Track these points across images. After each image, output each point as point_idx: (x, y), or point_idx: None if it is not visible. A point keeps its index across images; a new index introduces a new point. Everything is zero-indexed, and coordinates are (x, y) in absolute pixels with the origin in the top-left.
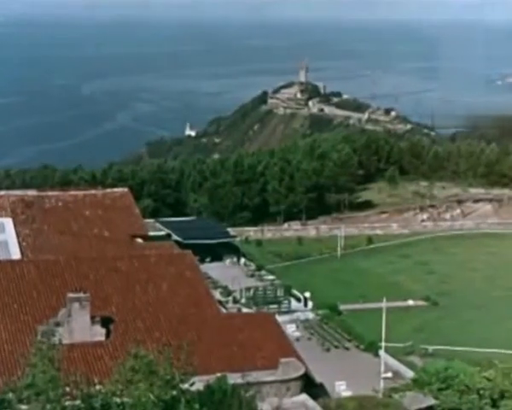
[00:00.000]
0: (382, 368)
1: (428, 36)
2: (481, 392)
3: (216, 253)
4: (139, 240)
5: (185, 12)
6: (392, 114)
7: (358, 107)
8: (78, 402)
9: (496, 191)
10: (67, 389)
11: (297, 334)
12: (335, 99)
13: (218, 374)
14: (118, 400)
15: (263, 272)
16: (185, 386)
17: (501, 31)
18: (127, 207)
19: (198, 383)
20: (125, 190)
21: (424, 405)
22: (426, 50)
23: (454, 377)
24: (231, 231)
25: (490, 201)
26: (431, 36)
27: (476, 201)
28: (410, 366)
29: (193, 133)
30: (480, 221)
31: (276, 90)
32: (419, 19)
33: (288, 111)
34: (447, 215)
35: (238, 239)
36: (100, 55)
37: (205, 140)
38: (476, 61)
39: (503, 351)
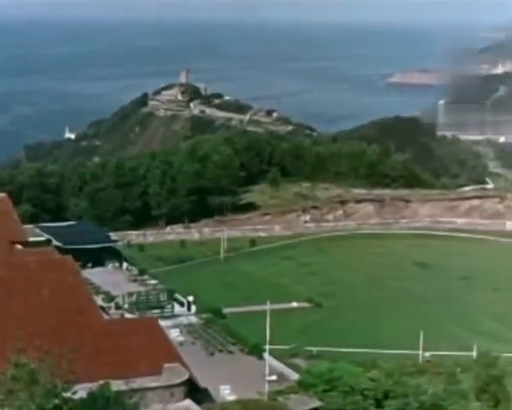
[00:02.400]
0: (267, 371)
1: (312, 37)
2: (365, 393)
3: (97, 258)
4: (18, 246)
5: (69, 12)
6: (274, 115)
7: (240, 108)
8: None
9: (378, 192)
10: None
11: (181, 339)
12: (217, 100)
13: (101, 381)
14: None
15: (145, 277)
16: (67, 394)
17: (378, 32)
18: (5, 213)
19: (81, 391)
20: (3, 195)
21: (309, 407)
22: (308, 51)
23: (338, 379)
24: (113, 235)
25: (372, 201)
26: (315, 37)
27: (358, 201)
28: (295, 368)
29: (72, 136)
30: (363, 222)
31: (157, 92)
32: (305, 20)
33: (169, 113)
34: (330, 216)
35: (120, 244)
36: None
37: (85, 143)
38: (357, 61)
39: (386, 351)
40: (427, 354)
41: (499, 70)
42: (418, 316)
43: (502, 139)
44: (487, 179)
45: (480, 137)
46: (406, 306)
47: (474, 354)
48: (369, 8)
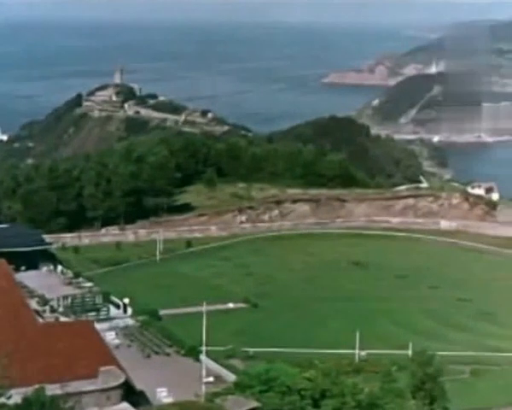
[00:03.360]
0: (204, 373)
1: (248, 37)
2: (302, 392)
3: (31, 261)
4: None
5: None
6: (209, 115)
7: (175, 109)
8: None
9: (313, 191)
10: None
11: (117, 341)
12: (151, 101)
13: (36, 386)
14: None
15: (80, 280)
16: (2, 400)
17: (314, 32)
18: None
19: (15, 396)
20: None
21: (246, 408)
22: (245, 52)
23: (275, 379)
24: (47, 237)
25: (307, 201)
26: (251, 37)
27: (294, 201)
28: (232, 369)
29: (5, 138)
30: (299, 222)
31: (91, 93)
32: (242, 20)
33: (104, 114)
34: (266, 216)
35: (54, 246)
36: None
37: (18, 145)
38: (293, 61)
39: (323, 351)
40: (364, 352)
41: (433, 70)
42: (354, 315)
43: (436, 138)
44: (421, 178)
45: (413, 137)
46: (342, 305)
47: (410, 352)
48: (307, 9)
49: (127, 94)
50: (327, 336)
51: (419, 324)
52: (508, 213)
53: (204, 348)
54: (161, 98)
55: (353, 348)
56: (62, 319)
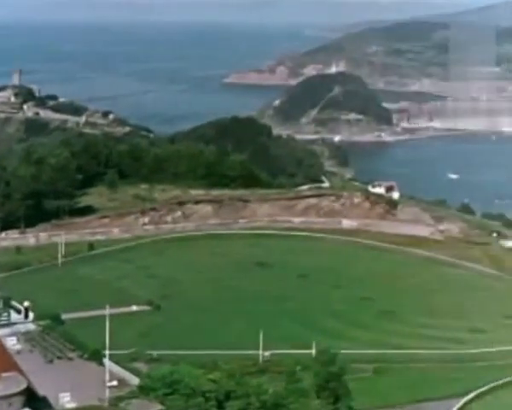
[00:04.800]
0: (107, 377)
1: (150, 38)
2: (207, 394)
3: None
4: None
5: None
6: (110, 116)
7: (76, 110)
8: None
9: (216, 192)
10: None
11: (18, 347)
12: (51, 102)
13: None
14: None
15: None
16: None
17: (215, 33)
18: None
19: None
20: None
21: None
22: (143, 52)
23: (180, 382)
24: None
25: (210, 202)
26: (153, 38)
27: (197, 202)
28: (136, 372)
29: None
30: (202, 223)
31: None
32: (145, 21)
33: (2, 115)
34: (168, 218)
35: None
36: None
37: None
38: (195, 62)
39: (227, 352)
40: (267, 353)
41: (333, 70)
42: (258, 315)
43: (337, 138)
44: (323, 178)
45: (315, 137)
46: (246, 306)
47: (314, 351)
48: (210, 10)
49: (26, 95)
50: (231, 338)
51: (322, 323)
52: (408, 211)
53: (107, 352)
54: (62, 99)
55: (257, 348)
56: None
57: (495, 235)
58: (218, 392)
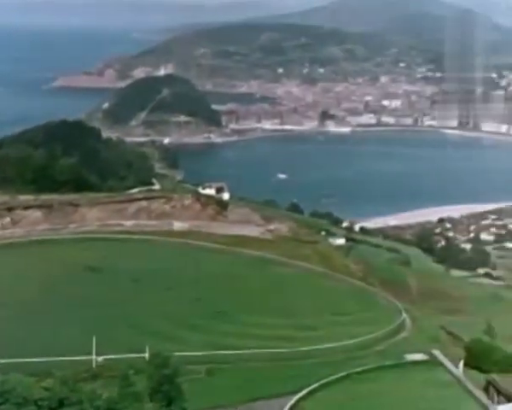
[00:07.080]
0: None
1: None
2: (40, 403)
3: None
4: None
5: None
6: None
7: None
8: None
9: (45, 197)
10: None
11: None
12: None
13: None
14: None
15: None
16: None
17: (44, 34)
18: None
19: None
20: None
21: None
22: None
23: (10, 391)
24: None
25: (40, 207)
26: None
27: (26, 208)
28: None
29: None
30: (31, 228)
31: None
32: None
33: None
34: None
35: None
36: None
37: None
38: (22, 65)
39: (61, 359)
40: (100, 358)
41: (161, 72)
42: (91, 321)
43: (166, 140)
44: (154, 181)
45: (144, 139)
46: (79, 311)
47: (147, 355)
48: (44, 13)
49: None
50: (63, 344)
51: (155, 326)
52: (238, 212)
53: None
54: None
55: (90, 354)
56: None
57: (323, 233)
58: (51, 400)
